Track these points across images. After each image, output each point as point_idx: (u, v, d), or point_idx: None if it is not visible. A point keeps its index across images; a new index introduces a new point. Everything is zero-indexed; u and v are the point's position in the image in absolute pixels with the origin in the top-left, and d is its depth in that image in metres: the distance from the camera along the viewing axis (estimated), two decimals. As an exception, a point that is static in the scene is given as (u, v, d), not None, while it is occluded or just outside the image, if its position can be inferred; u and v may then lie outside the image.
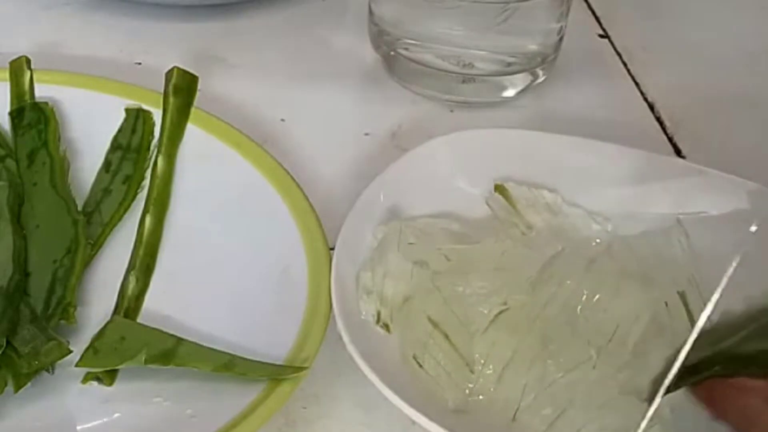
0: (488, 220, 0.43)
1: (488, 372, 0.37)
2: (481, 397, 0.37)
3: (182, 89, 0.46)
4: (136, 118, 0.46)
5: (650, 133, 0.53)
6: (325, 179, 0.47)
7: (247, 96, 0.52)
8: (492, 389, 0.37)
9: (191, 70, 0.47)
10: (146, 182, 0.45)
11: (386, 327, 0.39)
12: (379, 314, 0.39)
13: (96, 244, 0.42)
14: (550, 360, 0.37)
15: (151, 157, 0.45)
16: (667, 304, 0.39)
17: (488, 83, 0.53)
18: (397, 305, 0.39)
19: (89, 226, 0.43)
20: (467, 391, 0.37)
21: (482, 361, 0.37)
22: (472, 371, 0.37)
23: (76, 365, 0.36)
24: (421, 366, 0.37)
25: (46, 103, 0.46)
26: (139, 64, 0.55)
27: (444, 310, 0.38)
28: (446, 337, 0.38)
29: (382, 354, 0.38)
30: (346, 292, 0.39)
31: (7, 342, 0.36)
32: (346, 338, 0.36)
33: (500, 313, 0.38)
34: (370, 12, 0.54)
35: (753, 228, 0.33)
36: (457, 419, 0.37)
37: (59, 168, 0.44)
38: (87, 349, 0.37)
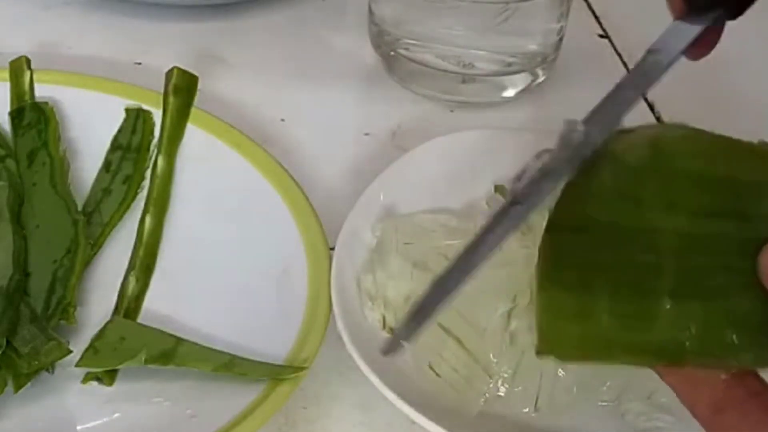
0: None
1: (504, 371, 0.37)
2: (500, 395, 0.37)
3: (182, 89, 0.46)
4: (136, 118, 0.46)
5: (650, 133, 0.53)
6: (325, 179, 0.47)
7: (247, 96, 0.52)
8: (509, 386, 0.37)
9: (191, 70, 0.47)
10: (146, 182, 0.45)
11: (392, 331, 0.39)
12: (384, 319, 0.39)
13: (96, 244, 0.42)
14: None
15: (151, 157, 0.45)
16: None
17: (488, 83, 0.53)
18: (400, 306, 0.39)
19: (89, 226, 0.43)
20: (487, 395, 0.37)
21: (496, 361, 0.37)
22: (490, 375, 0.37)
23: (76, 365, 0.37)
24: (438, 375, 0.38)
25: (46, 103, 0.46)
26: (139, 64, 0.55)
27: (452, 314, 0.38)
28: (459, 342, 0.38)
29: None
30: (346, 292, 0.39)
31: (7, 342, 0.36)
32: (346, 338, 0.36)
33: (510, 310, 0.38)
34: (370, 12, 0.54)
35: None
36: (478, 421, 0.37)
37: (59, 168, 0.44)
38: (87, 349, 0.37)
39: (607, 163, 0.34)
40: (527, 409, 0.37)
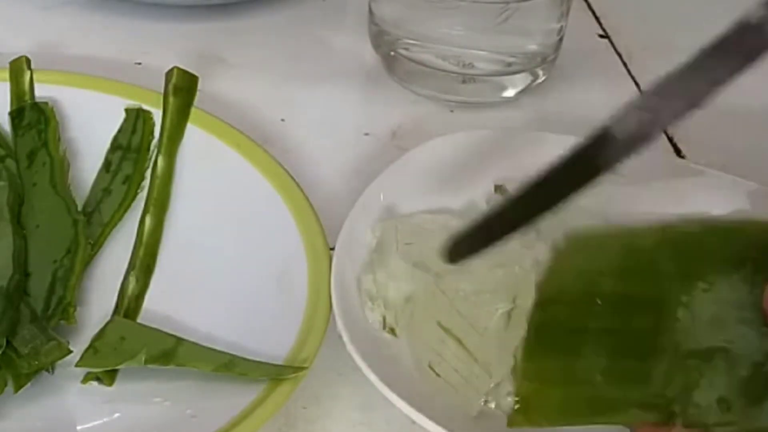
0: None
1: (504, 372, 0.37)
2: (503, 394, 0.37)
3: (182, 89, 0.46)
4: (136, 118, 0.46)
5: (650, 133, 0.53)
6: (325, 179, 0.47)
7: (247, 96, 0.52)
8: (510, 387, 0.37)
9: (191, 70, 0.47)
10: (146, 182, 0.45)
11: (392, 331, 0.39)
12: (384, 319, 0.39)
13: (96, 244, 0.42)
14: None
15: (151, 157, 0.45)
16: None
17: (488, 83, 0.53)
18: (400, 306, 0.39)
19: (89, 226, 0.43)
20: (487, 395, 0.37)
21: (497, 362, 0.37)
22: (490, 375, 0.37)
23: (76, 365, 0.36)
24: (438, 375, 0.37)
25: (46, 103, 0.46)
26: (139, 64, 0.55)
27: (453, 314, 0.38)
28: (460, 342, 0.38)
29: (382, 354, 0.38)
30: (346, 292, 0.39)
31: (7, 342, 0.36)
32: (346, 338, 0.36)
33: (510, 311, 0.38)
34: (370, 12, 0.54)
35: None
36: (478, 421, 0.37)
37: (59, 168, 0.44)
38: (87, 349, 0.37)
39: (611, 246, 0.34)
40: None
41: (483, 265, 0.40)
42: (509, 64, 0.52)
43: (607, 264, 0.34)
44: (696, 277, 0.33)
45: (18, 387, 0.36)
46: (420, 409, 0.34)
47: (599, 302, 0.33)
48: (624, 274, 0.34)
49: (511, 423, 0.33)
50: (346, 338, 0.36)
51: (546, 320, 0.34)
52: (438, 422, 0.34)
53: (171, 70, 0.47)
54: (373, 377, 0.35)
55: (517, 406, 0.33)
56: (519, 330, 0.38)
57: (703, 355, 0.32)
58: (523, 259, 0.40)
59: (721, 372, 0.32)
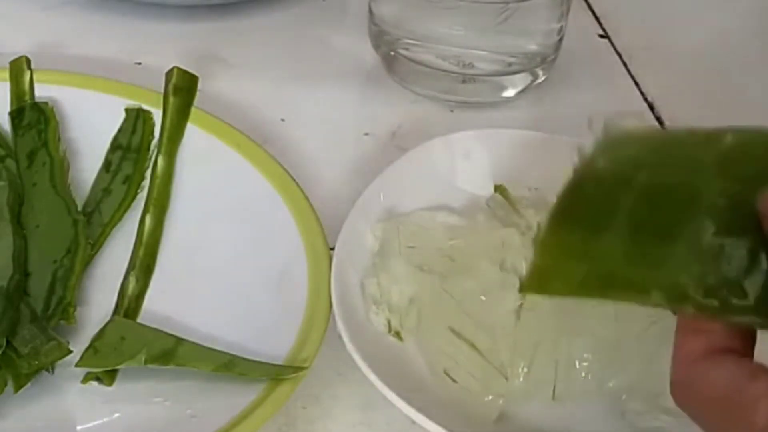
0: (488, 219, 0.43)
1: (519, 368, 0.37)
2: (517, 391, 0.37)
3: (182, 89, 0.46)
4: (136, 118, 0.46)
5: (650, 133, 0.53)
6: (325, 179, 0.47)
7: (247, 96, 0.52)
8: (525, 380, 0.37)
9: (191, 70, 0.47)
10: (146, 182, 0.45)
11: (398, 335, 0.39)
12: (389, 323, 0.39)
13: (96, 244, 0.42)
14: (575, 333, 0.38)
15: (151, 157, 0.45)
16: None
17: (488, 83, 0.53)
18: (404, 309, 0.39)
19: (89, 226, 0.43)
20: (504, 395, 0.37)
21: (511, 360, 0.37)
22: (506, 377, 0.37)
23: (76, 365, 0.37)
24: (454, 381, 0.37)
25: (46, 103, 0.46)
26: (139, 64, 0.55)
27: (462, 317, 0.38)
28: (473, 346, 0.38)
29: (383, 354, 0.38)
30: (346, 292, 0.39)
31: (7, 342, 0.36)
32: (345, 338, 0.36)
33: (519, 306, 0.38)
34: (370, 12, 0.54)
35: None
36: (477, 420, 0.37)
37: (59, 168, 0.44)
38: (87, 349, 0.37)
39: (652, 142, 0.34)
40: (555, 386, 0.37)
41: (487, 263, 0.40)
42: (509, 64, 0.52)
43: (646, 157, 0.34)
44: (735, 179, 0.33)
45: (18, 387, 0.36)
46: (419, 409, 0.34)
47: (631, 187, 0.33)
48: (661, 167, 0.33)
49: (523, 289, 0.33)
50: (345, 338, 0.36)
51: (575, 197, 0.33)
52: (438, 422, 0.34)
53: (171, 70, 0.47)
54: (373, 377, 0.35)
55: (531, 273, 0.32)
56: (529, 326, 0.38)
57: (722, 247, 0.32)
58: (524, 251, 0.40)
59: (739, 266, 0.31)
